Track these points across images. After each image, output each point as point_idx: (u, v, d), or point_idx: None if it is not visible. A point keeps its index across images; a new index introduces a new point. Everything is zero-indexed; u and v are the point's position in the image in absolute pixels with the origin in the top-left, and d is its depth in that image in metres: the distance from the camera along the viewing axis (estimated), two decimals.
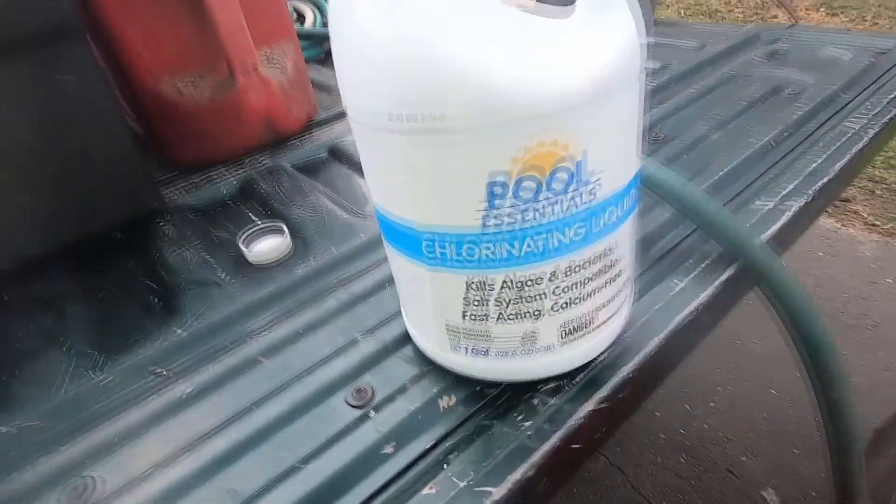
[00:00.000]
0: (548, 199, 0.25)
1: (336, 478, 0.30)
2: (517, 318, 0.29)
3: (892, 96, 0.62)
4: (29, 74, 0.47)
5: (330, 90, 0.92)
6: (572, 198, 0.25)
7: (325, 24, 1.23)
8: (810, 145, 0.57)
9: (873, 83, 0.68)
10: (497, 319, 0.29)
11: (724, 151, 0.57)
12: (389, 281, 0.45)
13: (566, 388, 0.33)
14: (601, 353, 0.34)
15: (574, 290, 0.28)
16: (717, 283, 0.40)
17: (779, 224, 0.45)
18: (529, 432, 0.31)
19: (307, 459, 0.31)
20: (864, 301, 1.62)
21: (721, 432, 1.29)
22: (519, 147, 0.23)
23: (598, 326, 0.31)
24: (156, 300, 0.47)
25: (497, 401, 0.33)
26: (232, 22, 0.61)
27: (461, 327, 0.30)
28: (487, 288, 0.28)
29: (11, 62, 0.46)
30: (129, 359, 0.40)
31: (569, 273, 0.28)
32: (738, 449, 1.25)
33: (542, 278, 0.27)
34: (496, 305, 0.28)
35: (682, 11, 3.70)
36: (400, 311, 0.40)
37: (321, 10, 1.30)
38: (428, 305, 0.31)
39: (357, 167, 0.65)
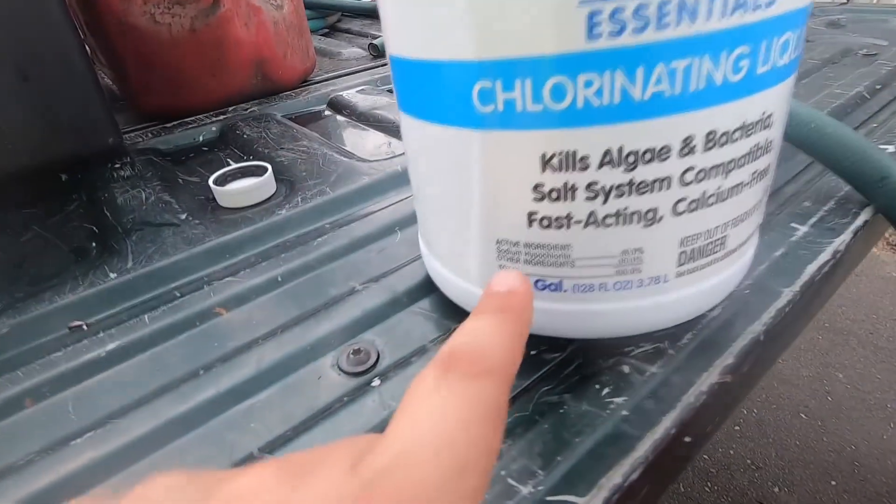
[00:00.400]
0: None
1: None
2: (620, 221, 0.18)
3: None
4: None
5: (332, 55, 0.83)
6: None
7: None
8: None
9: None
10: (586, 224, 0.18)
11: (808, 100, 0.47)
12: (401, 224, 0.34)
13: (669, 351, 0.22)
14: (716, 309, 0.23)
15: (712, 178, 0.18)
16: (852, 227, 0.29)
17: None
18: (625, 412, 0.19)
19: (271, 448, 0.20)
20: (895, 323, 1.51)
21: (749, 459, 1.16)
22: None
23: (730, 254, 0.20)
24: (92, 244, 0.36)
25: (564, 369, 0.22)
26: None
27: (524, 242, 0.19)
28: (579, 165, 0.17)
29: None
30: (37, 307, 0.29)
31: (710, 145, 0.17)
32: (769, 478, 1.13)
33: (669, 149, 0.17)
34: (589, 198, 0.18)
35: None
36: (417, 258, 0.29)
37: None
38: (472, 208, 0.20)
39: (363, 119, 0.54)
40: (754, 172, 0.19)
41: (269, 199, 0.39)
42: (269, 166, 0.41)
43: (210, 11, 0.54)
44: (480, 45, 0.16)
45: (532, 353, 0.23)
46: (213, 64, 0.56)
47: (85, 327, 0.28)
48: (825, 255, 0.27)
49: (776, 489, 1.10)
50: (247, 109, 0.58)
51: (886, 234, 1.88)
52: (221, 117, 0.56)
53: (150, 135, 0.53)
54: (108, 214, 0.39)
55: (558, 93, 0.16)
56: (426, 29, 0.18)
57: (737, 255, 0.21)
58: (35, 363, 0.25)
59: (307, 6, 1.05)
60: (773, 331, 0.23)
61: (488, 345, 0.14)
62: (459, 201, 0.20)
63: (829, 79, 0.53)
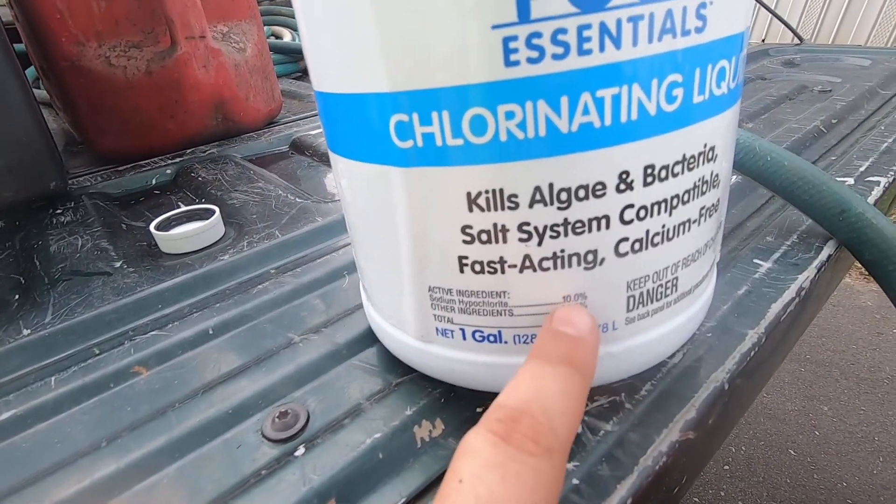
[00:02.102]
0: (625, 5, 0.13)
1: None
2: (557, 264, 0.16)
3: None
4: None
5: (301, 97, 0.82)
6: (669, 11, 0.13)
7: None
8: (867, 130, 0.47)
9: None
10: (521, 268, 0.16)
11: (766, 135, 0.47)
12: (350, 268, 0.32)
13: (627, 404, 0.20)
14: (675, 355, 0.21)
15: (655, 215, 0.16)
16: (816, 263, 0.28)
17: (872, 198, 0.34)
18: (576, 480, 0.17)
19: None
20: (875, 352, 1.51)
21: (741, 501, 1.12)
22: None
23: (683, 297, 0.19)
24: (15, 297, 0.33)
25: None
26: None
27: (456, 289, 0.17)
28: (507, 204, 0.15)
29: None
30: None
31: (650, 180, 0.16)
32: None
33: (604, 186, 0.15)
34: (521, 239, 0.16)
35: None
36: (359, 300, 0.27)
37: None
38: (400, 254, 0.18)
39: (325, 159, 0.53)
40: (702, 208, 0.18)
41: (214, 244, 0.37)
42: (217, 209, 0.39)
43: (167, 54, 0.53)
44: (392, 75, 0.15)
45: (478, 410, 0.21)
46: (171, 106, 0.55)
47: None
48: (790, 293, 0.25)
49: None
50: (205, 151, 0.56)
51: (859, 266, 1.92)
52: (178, 159, 0.54)
53: (100, 178, 0.51)
54: (38, 263, 0.36)
55: (478, 126, 0.14)
56: (341, 60, 0.16)
57: (692, 297, 0.19)
58: None
59: (277, 51, 1.06)
60: (739, 377, 0.21)
61: (555, 413, 0.13)
62: (389, 246, 0.18)
63: (786, 114, 0.53)
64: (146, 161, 0.55)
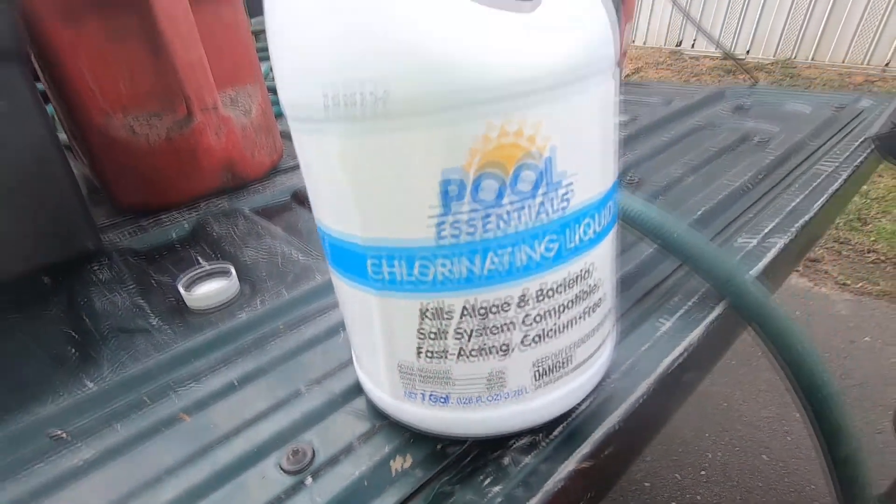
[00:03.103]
0: (513, 202, 0.21)
1: None
2: (482, 354, 0.24)
3: (859, 142, 0.63)
4: None
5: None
6: (542, 203, 0.21)
7: None
8: (786, 187, 0.55)
9: (838, 132, 0.69)
10: (458, 356, 0.24)
11: (700, 193, 0.55)
12: (342, 326, 0.40)
13: (542, 443, 0.28)
14: (582, 401, 0.29)
15: (548, 319, 0.24)
16: (706, 321, 0.36)
17: (765, 261, 0.42)
18: (499, 500, 0.25)
19: None
20: (847, 360, 1.59)
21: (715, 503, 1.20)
22: (478, 137, 0.19)
23: (578, 367, 0.27)
24: (72, 350, 0.41)
25: (461, 461, 0.27)
26: (191, 56, 0.59)
27: (416, 367, 0.25)
28: (445, 316, 0.23)
29: None
30: (21, 418, 0.33)
31: (541, 298, 0.23)
32: None
33: (509, 304, 0.23)
34: (456, 338, 0.24)
35: None
36: (351, 356, 0.35)
37: None
38: (378, 341, 0.26)
39: None
40: (586, 308, 0.25)
41: (232, 301, 0.45)
42: (233, 269, 0.47)
43: (184, 123, 0.61)
44: (367, 235, 0.22)
45: (437, 447, 0.28)
46: (187, 168, 0.62)
47: (64, 436, 0.32)
48: (679, 349, 0.33)
49: None
50: (217, 205, 0.64)
51: (835, 274, 2.00)
52: (194, 213, 0.62)
53: (127, 234, 0.58)
54: (87, 320, 0.44)
55: (424, 270, 0.22)
56: (330, 213, 0.24)
57: (586, 365, 0.27)
58: (20, 474, 0.30)
59: (273, 91, 1.14)
60: (631, 420, 0.29)
61: None
62: (370, 336, 0.26)
63: (723, 167, 0.61)
64: (166, 215, 0.63)
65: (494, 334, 0.24)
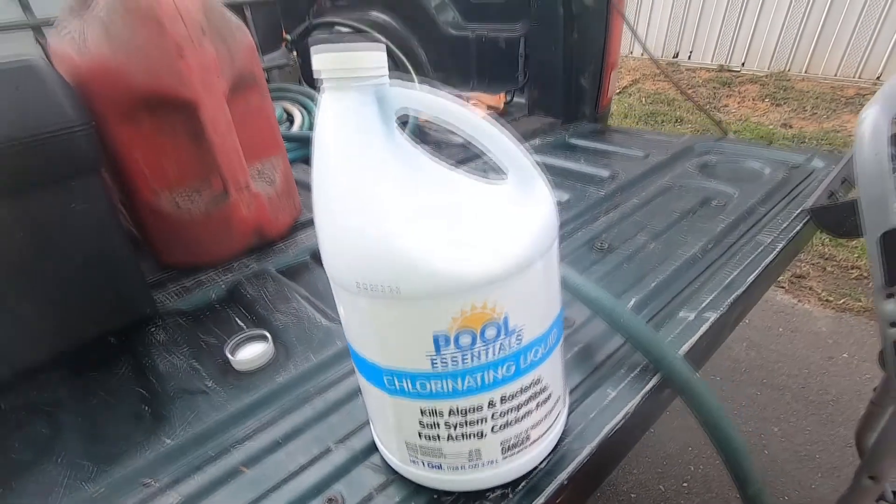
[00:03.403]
0: (482, 347, 0.31)
1: None
2: (464, 438, 0.35)
3: (797, 212, 0.73)
4: (47, 205, 0.54)
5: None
6: (501, 345, 0.32)
7: (311, 126, 1.35)
8: (730, 256, 0.66)
9: (785, 197, 0.80)
10: (447, 439, 0.35)
11: (658, 262, 0.66)
12: (359, 391, 0.50)
13: (510, 495, 0.38)
14: (540, 463, 0.40)
15: (510, 414, 0.35)
16: (642, 392, 0.46)
17: (697, 335, 0.52)
18: None
19: None
20: (824, 376, 1.69)
21: None
22: (456, 311, 0.30)
23: (534, 442, 0.37)
24: (146, 408, 0.52)
25: None
26: (227, 145, 0.70)
27: (418, 444, 0.36)
28: (437, 415, 0.34)
29: (32, 196, 0.53)
30: (119, 470, 0.44)
31: (504, 401, 0.34)
32: None
33: (482, 406, 0.34)
34: (445, 428, 0.34)
35: (643, 98, 4.04)
36: (368, 420, 0.45)
37: (308, 111, 1.42)
38: (390, 425, 0.37)
39: None
40: (538, 403, 0.36)
41: (270, 363, 0.55)
42: (269, 335, 0.57)
43: (220, 199, 0.71)
44: (385, 363, 0.33)
45: (434, 496, 0.39)
46: (222, 235, 0.73)
47: (155, 484, 0.43)
48: (618, 417, 0.43)
49: None
50: (248, 266, 0.75)
51: (819, 290, 2.10)
52: (228, 275, 0.73)
53: (173, 295, 0.69)
54: (154, 381, 0.54)
55: (423, 386, 0.33)
56: (359, 344, 0.35)
57: (541, 440, 0.38)
58: None
59: (289, 140, 1.25)
60: (577, 475, 0.40)
61: None
62: (385, 420, 0.37)
63: (681, 234, 0.72)
64: (205, 275, 0.73)
65: (472, 426, 0.34)
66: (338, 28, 1.81)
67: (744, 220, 0.74)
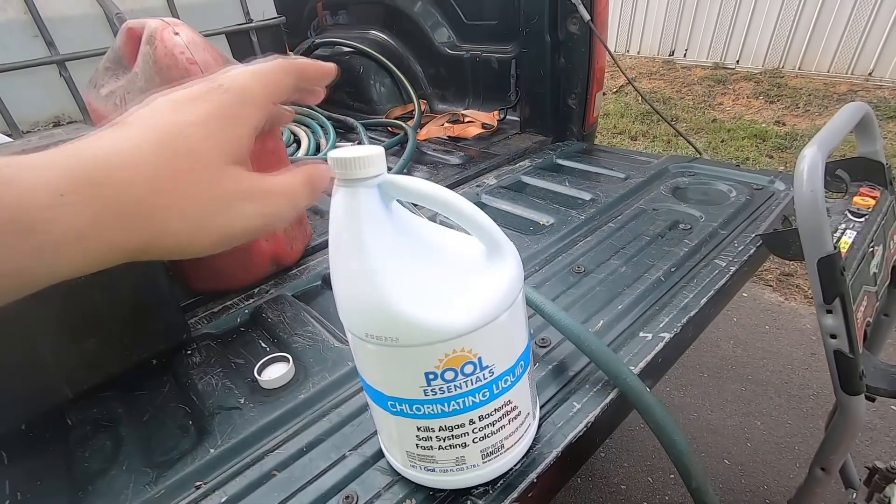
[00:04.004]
0: (462, 379, 0.41)
1: None
2: (451, 448, 0.44)
3: (752, 237, 0.82)
4: None
5: (323, 214, 1.11)
6: (477, 377, 0.41)
7: (318, 148, 1.44)
8: (689, 280, 0.75)
9: (746, 219, 0.89)
10: (438, 449, 0.45)
11: (627, 284, 0.75)
12: (368, 406, 0.60)
13: (490, 491, 0.48)
14: (514, 465, 0.49)
15: (487, 428, 0.44)
16: (602, 404, 0.56)
17: (652, 353, 0.62)
18: None
19: None
20: (807, 371, 1.78)
21: (681, 502, 1.40)
22: (441, 355, 0.39)
23: (508, 449, 0.47)
24: (190, 422, 0.62)
25: (444, 502, 0.48)
26: None
27: (415, 453, 0.46)
28: (430, 430, 0.43)
29: None
30: (175, 475, 0.54)
31: (482, 419, 0.44)
32: None
33: (464, 424, 0.43)
34: (437, 440, 0.44)
35: (639, 99, 4.11)
36: (376, 431, 0.55)
37: (313, 132, 1.52)
38: (394, 438, 0.46)
39: None
40: (510, 419, 0.46)
41: (291, 382, 0.65)
42: (290, 357, 0.67)
43: None
44: (389, 392, 0.43)
45: (430, 492, 0.49)
46: (244, 265, 0.83)
47: (203, 486, 0.53)
48: (581, 427, 0.53)
49: None
50: (267, 291, 0.85)
51: (806, 288, 2.18)
52: (250, 300, 0.83)
53: (204, 320, 0.79)
54: (195, 399, 0.64)
55: (418, 409, 0.43)
56: (369, 378, 0.44)
57: (513, 448, 0.47)
58: None
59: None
60: (545, 476, 0.49)
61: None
62: (389, 433, 0.47)
63: (650, 257, 0.81)
64: (229, 301, 0.83)
65: (457, 438, 0.44)
66: (339, 47, 1.90)
67: (705, 243, 0.83)
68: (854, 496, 1.09)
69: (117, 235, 0.25)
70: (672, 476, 1.47)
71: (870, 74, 3.69)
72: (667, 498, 1.42)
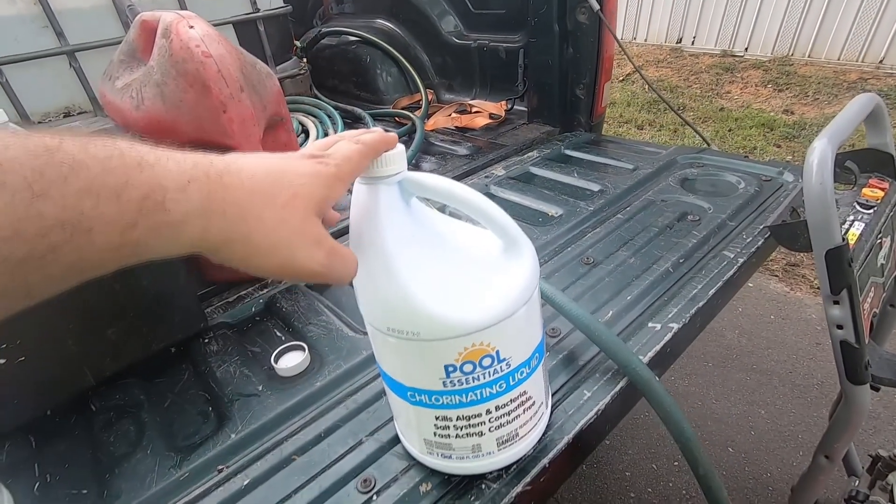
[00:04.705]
0: (480, 372, 0.42)
1: None
2: (468, 436, 0.46)
3: (760, 228, 0.83)
4: None
5: (335, 208, 1.11)
6: (494, 370, 0.43)
7: (325, 136, 1.45)
8: (698, 270, 0.76)
9: (754, 211, 0.89)
10: (456, 437, 0.46)
11: (636, 275, 0.76)
12: (383, 392, 0.62)
13: (504, 476, 0.50)
14: (527, 452, 0.51)
15: (503, 418, 0.46)
16: (612, 393, 0.57)
17: (661, 343, 0.63)
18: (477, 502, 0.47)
19: None
20: (811, 361, 1.80)
21: (685, 490, 1.42)
22: (461, 348, 0.41)
23: (522, 437, 0.48)
24: (210, 409, 0.63)
25: (458, 486, 0.50)
26: None
27: (433, 441, 0.47)
28: (448, 419, 0.45)
29: None
30: (198, 458, 0.56)
31: (498, 409, 0.45)
32: None
33: (481, 414, 0.45)
34: (454, 429, 0.46)
35: (646, 88, 4.07)
36: (391, 417, 0.57)
37: (322, 122, 1.52)
38: (412, 425, 0.48)
39: None
40: (524, 409, 0.47)
41: (307, 370, 0.67)
42: (306, 346, 0.69)
43: None
44: (408, 383, 0.44)
45: (445, 477, 0.50)
46: None
47: (225, 469, 0.55)
48: (591, 415, 0.55)
49: None
50: (280, 282, 0.86)
51: (812, 278, 2.18)
52: (264, 290, 0.84)
53: (220, 310, 0.81)
54: (214, 386, 0.66)
55: (437, 399, 0.44)
56: (389, 369, 0.46)
57: (527, 436, 0.49)
58: (211, 493, 0.52)
59: None
60: (556, 461, 0.51)
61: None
62: (408, 422, 0.48)
63: (658, 248, 0.82)
64: (244, 291, 0.85)
65: (474, 427, 0.45)
66: (345, 37, 1.89)
67: (714, 234, 0.84)
68: (857, 483, 1.10)
69: (211, 226, 0.28)
70: (676, 464, 1.50)
71: (881, 62, 3.64)
72: (671, 485, 1.44)
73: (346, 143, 0.37)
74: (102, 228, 0.24)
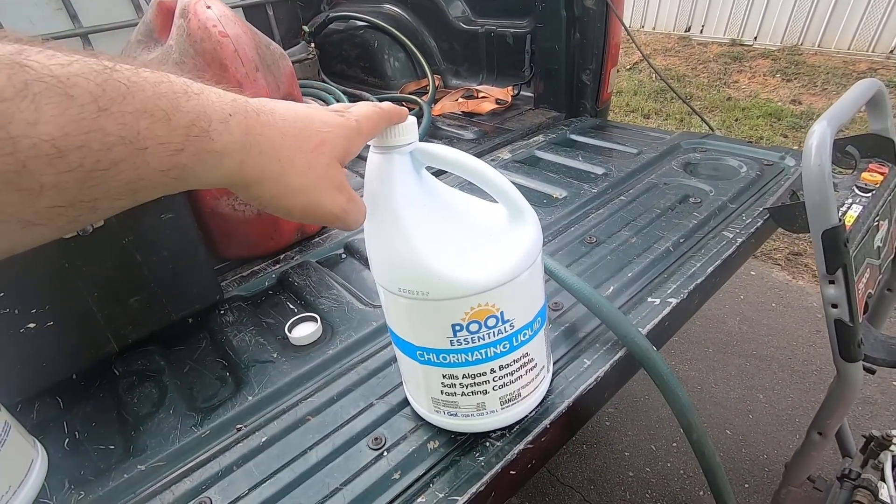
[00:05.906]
0: (485, 331, 0.45)
1: (363, 496, 0.49)
2: (473, 394, 0.49)
3: (759, 210, 0.85)
4: (145, 216, 0.68)
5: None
6: (499, 330, 0.46)
7: None
8: (697, 250, 0.78)
9: (755, 194, 0.91)
10: (461, 395, 0.49)
11: (637, 254, 0.78)
12: (392, 360, 0.65)
13: (507, 434, 0.53)
14: (530, 412, 0.54)
15: (506, 377, 0.49)
16: (611, 361, 0.60)
17: (660, 317, 0.66)
18: (482, 463, 0.50)
19: (345, 483, 0.51)
20: (811, 348, 1.82)
21: (682, 470, 1.46)
22: (467, 308, 0.43)
23: (525, 398, 0.51)
24: (227, 374, 0.67)
25: (464, 444, 0.53)
26: None
27: (440, 399, 0.50)
28: (455, 378, 0.48)
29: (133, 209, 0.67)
30: (218, 418, 0.59)
31: (502, 368, 0.48)
32: (696, 485, 1.42)
33: (485, 373, 0.48)
34: (460, 387, 0.48)
35: (653, 76, 4.05)
36: (401, 382, 0.60)
37: (326, 103, 1.54)
38: (420, 385, 0.51)
39: (365, 262, 0.86)
40: (527, 370, 0.50)
41: (320, 340, 0.70)
42: (318, 317, 0.72)
43: None
44: (417, 342, 0.47)
45: (451, 436, 0.53)
46: (271, 233, 0.87)
47: (245, 428, 0.58)
48: (591, 381, 0.57)
49: (701, 493, 1.40)
50: (292, 258, 0.89)
51: (814, 267, 2.19)
52: (277, 266, 0.87)
53: (234, 284, 0.84)
54: (231, 353, 0.69)
55: (444, 358, 0.47)
56: (399, 329, 0.48)
57: (529, 396, 0.52)
58: (230, 449, 0.56)
59: None
60: (557, 423, 0.54)
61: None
62: (416, 381, 0.51)
63: (659, 229, 0.84)
64: (257, 266, 0.88)
65: (479, 386, 0.48)
66: (353, 21, 1.90)
67: (714, 216, 0.86)
68: (850, 463, 1.13)
69: (248, 161, 0.30)
70: (674, 444, 1.53)
71: (891, 52, 3.61)
72: (668, 465, 1.48)
73: (365, 103, 0.39)
74: (155, 149, 0.25)
